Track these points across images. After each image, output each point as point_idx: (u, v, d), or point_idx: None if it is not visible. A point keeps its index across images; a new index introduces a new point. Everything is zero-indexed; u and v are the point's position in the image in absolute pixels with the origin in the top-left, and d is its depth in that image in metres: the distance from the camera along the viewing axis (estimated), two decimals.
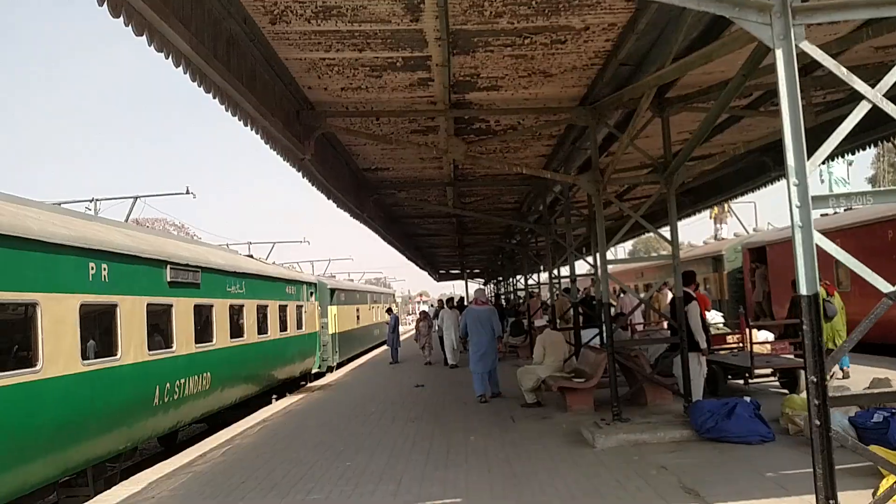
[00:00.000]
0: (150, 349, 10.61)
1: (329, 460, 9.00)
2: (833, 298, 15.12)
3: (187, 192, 18.02)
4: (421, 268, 37.11)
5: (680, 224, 24.50)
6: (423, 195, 16.00)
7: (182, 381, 11.57)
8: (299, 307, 19.89)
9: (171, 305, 11.44)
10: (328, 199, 11.47)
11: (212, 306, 13.16)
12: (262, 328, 16.27)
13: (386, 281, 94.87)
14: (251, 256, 19.35)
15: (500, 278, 46.19)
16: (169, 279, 11.36)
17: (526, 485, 7.01)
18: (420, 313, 23.41)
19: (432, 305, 59.36)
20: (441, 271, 46.47)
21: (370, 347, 34.31)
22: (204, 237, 43.38)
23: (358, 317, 30.26)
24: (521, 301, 29.56)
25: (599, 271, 9.01)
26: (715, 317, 17.00)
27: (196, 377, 12.12)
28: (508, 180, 14.59)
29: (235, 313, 14.71)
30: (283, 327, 18.14)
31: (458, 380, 16.89)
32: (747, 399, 8.47)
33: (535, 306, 20.87)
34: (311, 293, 21.75)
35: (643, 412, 10.00)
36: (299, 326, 19.80)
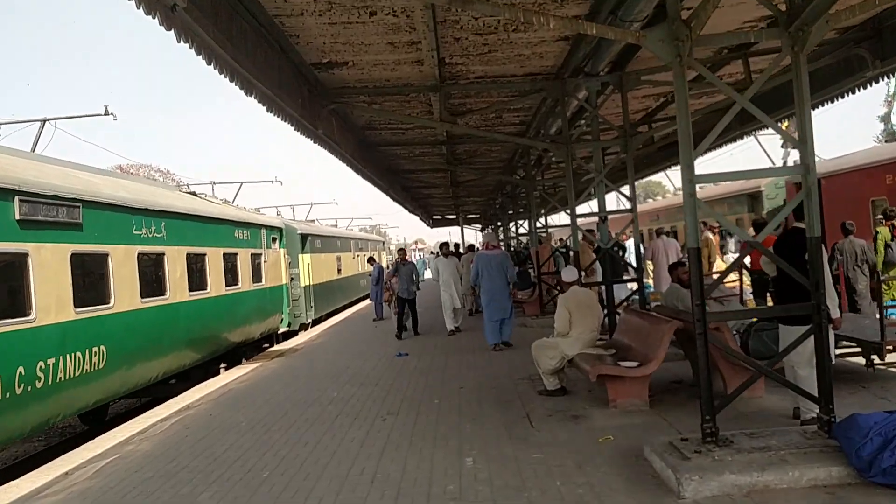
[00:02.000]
0: None
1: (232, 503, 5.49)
2: None
3: (106, 113, 14.19)
4: (411, 212, 33.35)
5: (720, 152, 20.49)
6: (400, 108, 12.19)
7: (50, 361, 7.99)
8: (256, 256, 16.24)
9: (26, 255, 7.77)
10: (248, 93, 7.64)
11: (106, 255, 9.49)
12: (196, 282, 12.65)
13: (380, 228, 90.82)
14: (194, 194, 15.61)
15: (499, 223, 42.54)
16: (19, 216, 7.65)
17: None
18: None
19: (432, 253, 54.94)
20: (435, 216, 42.71)
21: (357, 300, 30.85)
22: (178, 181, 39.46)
23: (339, 267, 26.66)
24: (524, 248, 25.98)
25: (683, 193, 5.35)
26: None
27: (79, 354, 8.54)
28: (515, 82, 10.76)
29: (151, 264, 11.05)
30: (232, 280, 14.52)
31: (454, 349, 13.36)
32: None
33: (545, 254, 17.28)
34: (275, 239, 18.07)
35: (735, 416, 6.49)
36: (257, 279, 16.19)
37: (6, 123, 14.17)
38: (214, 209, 14.05)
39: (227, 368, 14.31)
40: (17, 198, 7.62)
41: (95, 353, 8.88)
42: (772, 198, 21.23)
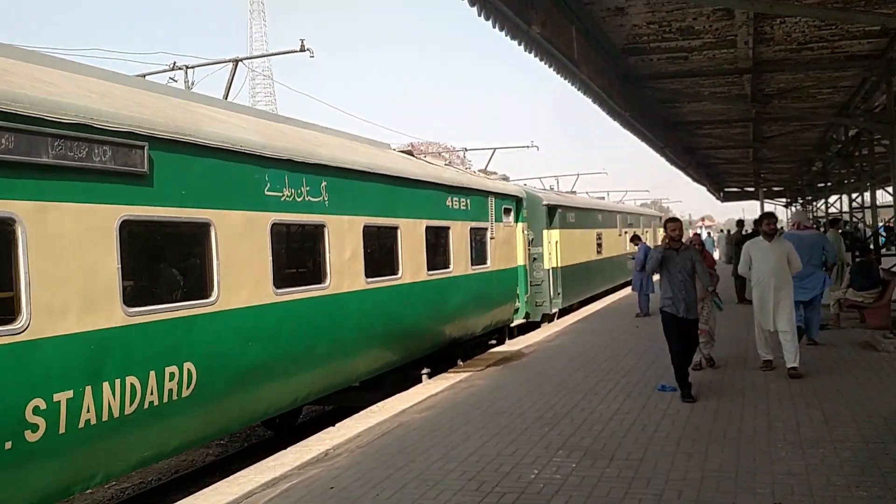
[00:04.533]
0: None
1: None
2: None
3: (302, 49, 11.56)
4: (695, 180, 27.39)
5: None
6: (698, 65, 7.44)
7: (63, 396, 4.98)
8: (478, 231, 12.58)
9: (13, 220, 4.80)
10: None
11: (207, 226, 6.37)
12: (379, 266, 9.33)
13: (660, 203, 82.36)
14: (410, 154, 12.38)
15: (810, 198, 34.13)
16: None
17: None
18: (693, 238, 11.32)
19: (723, 231, 45.63)
20: (727, 189, 35.70)
21: (622, 284, 26.01)
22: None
23: (599, 245, 22.13)
24: (854, 230, 18.92)
25: None
26: None
27: (133, 381, 5.48)
28: None
29: (299, 241, 7.91)
30: (441, 262, 11.04)
31: (760, 390, 8.30)
32: None
33: None
34: (509, 210, 14.26)
35: None
36: (479, 260, 12.55)
37: (199, 65, 12.22)
38: (413, 168, 10.59)
39: (430, 375, 10.96)
40: None
41: (172, 376, 5.79)
42: None
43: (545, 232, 16.67)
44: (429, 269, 10.55)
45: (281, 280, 7.32)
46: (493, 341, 14.13)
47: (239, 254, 6.72)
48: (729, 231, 39.44)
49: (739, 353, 10.38)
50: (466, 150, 23.16)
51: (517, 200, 14.79)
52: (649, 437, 6.44)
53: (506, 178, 16.58)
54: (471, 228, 12.18)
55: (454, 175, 12.02)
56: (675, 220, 8.27)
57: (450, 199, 11.48)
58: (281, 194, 7.37)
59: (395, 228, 9.74)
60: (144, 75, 12.32)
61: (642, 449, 6.10)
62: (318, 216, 7.97)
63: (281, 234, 7.44)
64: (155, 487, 8.69)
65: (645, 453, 5.98)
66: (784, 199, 40.46)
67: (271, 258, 7.14)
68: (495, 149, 22.80)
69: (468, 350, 12.68)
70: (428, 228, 10.62)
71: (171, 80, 12.17)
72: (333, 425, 7.80)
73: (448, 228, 11.34)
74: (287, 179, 7.47)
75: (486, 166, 20.20)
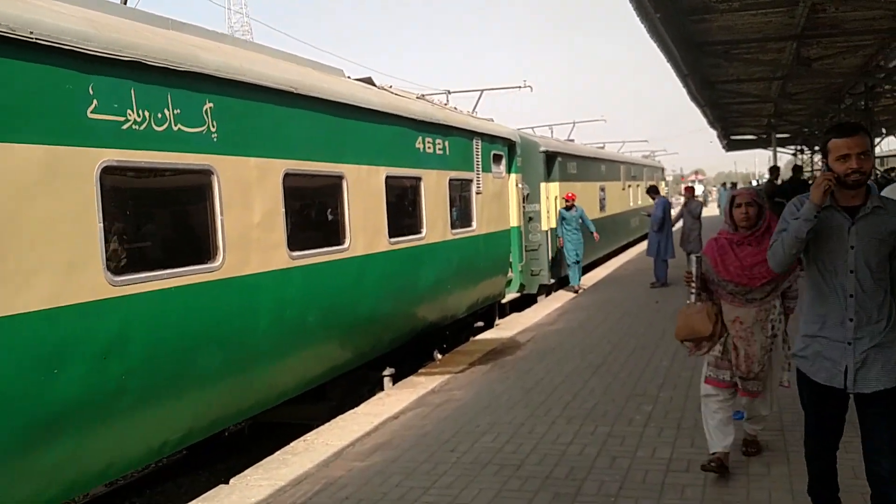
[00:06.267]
0: None
1: None
2: None
3: None
4: (711, 123, 24.49)
5: None
6: None
7: None
8: (461, 183, 9.71)
9: None
10: None
11: None
12: (312, 233, 6.50)
13: (653, 155, 79.31)
14: (370, 81, 9.42)
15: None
16: None
17: None
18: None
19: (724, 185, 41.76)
20: (734, 136, 32.77)
21: (626, 245, 23.28)
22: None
23: (602, 200, 19.25)
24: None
25: None
26: None
27: None
28: None
29: (171, 198, 5.07)
30: (409, 225, 8.21)
31: None
32: None
33: None
34: (500, 157, 11.36)
35: None
36: (462, 221, 9.72)
37: None
38: (369, 96, 7.63)
39: (394, 380, 8.22)
40: None
41: None
42: None
43: (543, 185, 13.78)
44: (391, 236, 7.70)
45: (124, 262, 4.46)
46: (482, 322, 11.39)
47: (31, 219, 3.85)
48: (734, 185, 36.58)
49: None
50: (450, 91, 19.91)
51: (510, 145, 11.85)
52: None
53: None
54: (450, 180, 9.29)
55: (427, 108, 9.02)
56: (850, 129, 3.14)
57: (421, 139, 8.55)
58: (122, 118, 4.44)
59: (339, 178, 6.83)
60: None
61: None
62: (198, 156, 5.05)
63: (123, 187, 4.55)
64: None
65: None
66: (794, 147, 37.44)
67: (101, 225, 4.26)
68: (483, 90, 19.64)
69: (450, 336, 9.96)
70: (390, 179, 7.72)
71: None
72: (228, 481, 5.04)
73: (419, 179, 8.44)
74: (134, 95, 4.53)
75: (474, 110, 17.14)
